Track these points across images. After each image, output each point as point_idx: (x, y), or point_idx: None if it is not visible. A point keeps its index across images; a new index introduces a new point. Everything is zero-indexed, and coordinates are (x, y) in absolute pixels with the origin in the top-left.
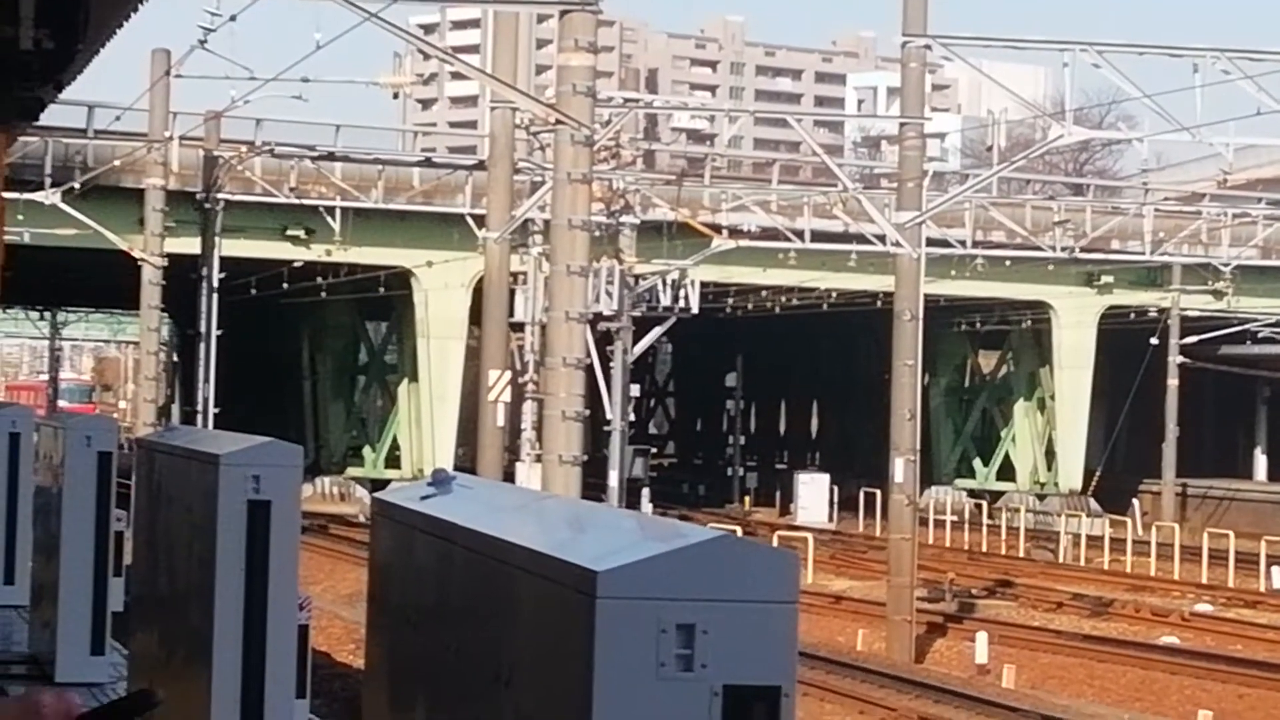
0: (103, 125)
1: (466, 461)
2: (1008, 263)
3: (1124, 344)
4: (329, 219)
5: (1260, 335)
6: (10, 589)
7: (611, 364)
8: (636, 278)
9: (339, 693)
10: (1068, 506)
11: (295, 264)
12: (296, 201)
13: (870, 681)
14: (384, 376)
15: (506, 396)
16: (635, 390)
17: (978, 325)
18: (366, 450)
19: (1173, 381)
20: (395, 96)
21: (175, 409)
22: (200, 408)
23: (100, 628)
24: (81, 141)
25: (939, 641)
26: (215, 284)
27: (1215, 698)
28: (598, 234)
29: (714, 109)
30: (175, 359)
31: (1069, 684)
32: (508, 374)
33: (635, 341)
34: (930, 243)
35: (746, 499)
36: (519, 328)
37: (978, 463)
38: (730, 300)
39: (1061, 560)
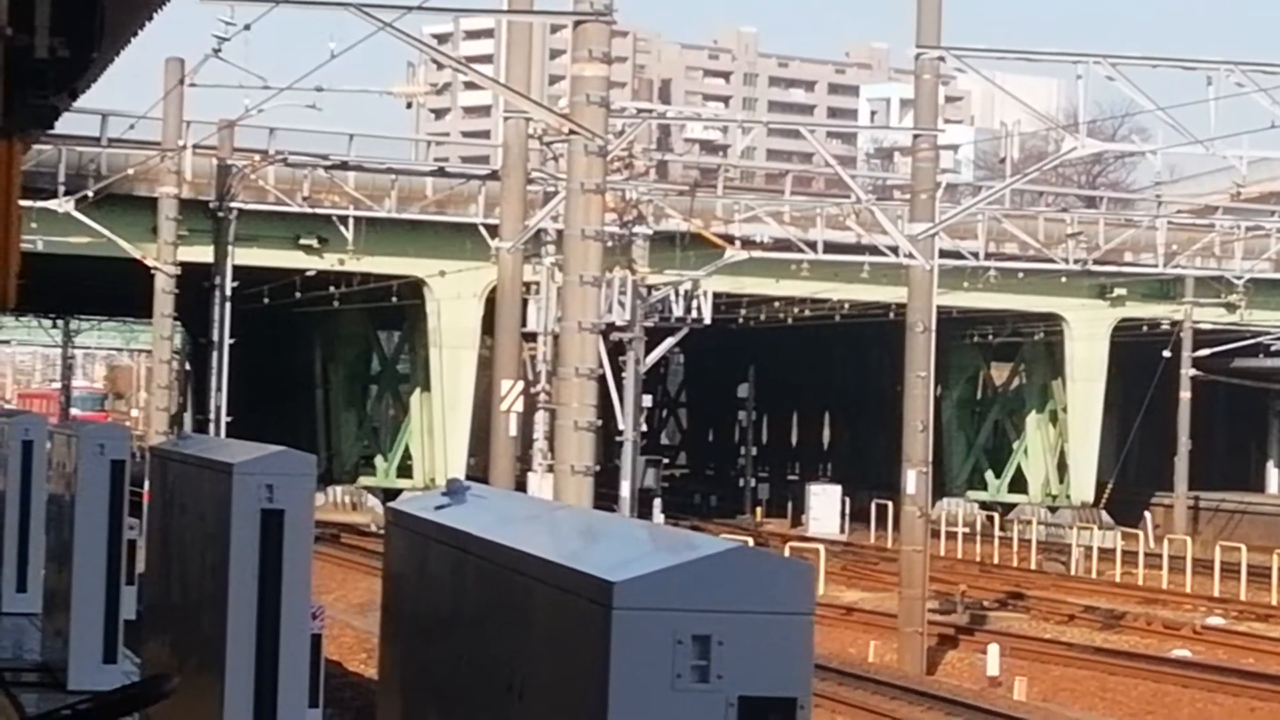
0: (117, 133)
1: (478, 471)
2: (1020, 275)
3: (1136, 357)
4: (342, 228)
5: (1273, 348)
6: (23, 597)
7: (624, 374)
8: (649, 288)
9: (350, 702)
10: (1079, 519)
11: (308, 273)
12: (310, 210)
13: (882, 693)
14: (396, 386)
15: (519, 406)
16: (647, 401)
17: (990, 337)
18: (378, 459)
19: (1185, 394)
20: (409, 106)
21: (187, 417)
22: (212, 416)
23: (113, 636)
24: (95, 150)
25: (950, 653)
26: (228, 293)
27: (1227, 711)
28: (610, 244)
29: (727, 120)
30: (188, 367)
31: (1080, 696)
32: (520, 384)
33: (648, 352)
34: (943, 254)
35: (758, 510)
36: (531, 338)
37: (990, 475)
38: (743, 311)
39: (1073, 573)
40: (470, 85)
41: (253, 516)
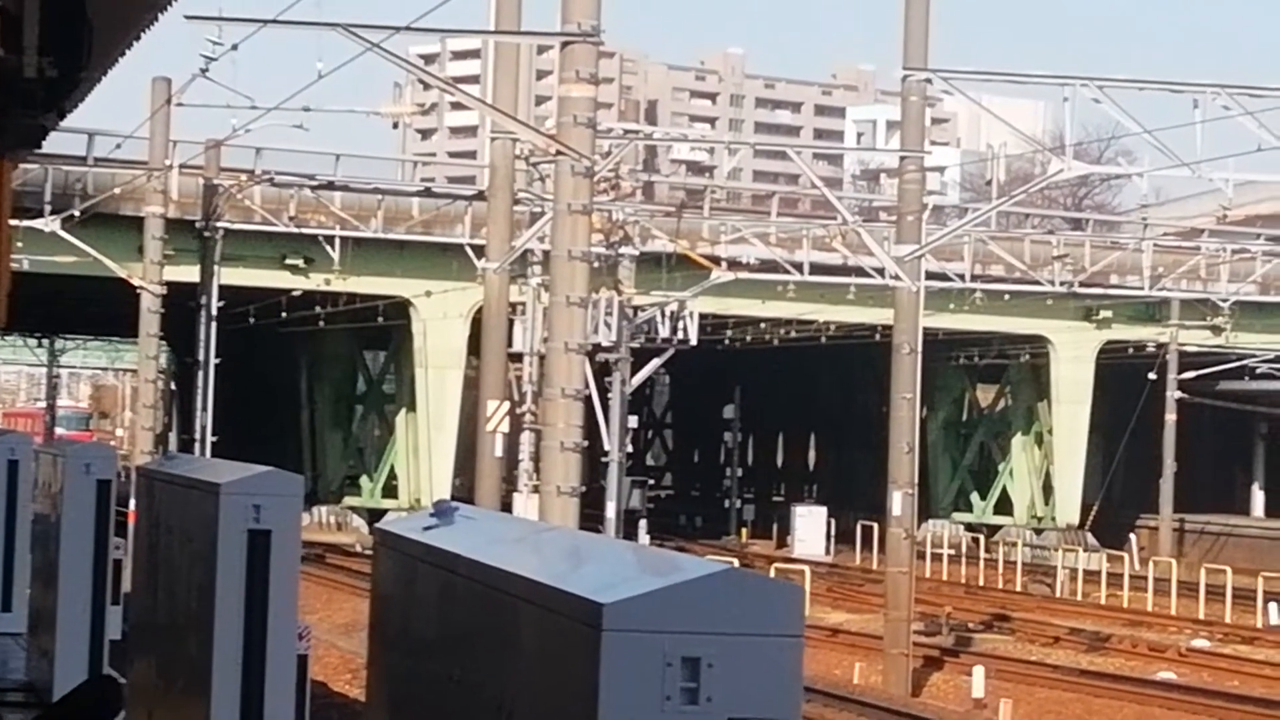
0: (103, 153)
1: (464, 492)
2: (1006, 297)
3: (1122, 379)
4: (328, 248)
5: (1258, 371)
6: (8, 616)
7: (610, 395)
8: (635, 309)
9: None
10: (1065, 541)
11: (294, 293)
12: (296, 230)
13: (867, 715)
14: (382, 406)
15: (505, 427)
16: (633, 421)
17: (976, 359)
18: (364, 480)
19: (1170, 417)
20: (395, 126)
21: (173, 437)
22: (198, 436)
23: (98, 656)
24: (82, 169)
25: (936, 675)
26: (214, 312)
27: None
28: (597, 265)
29: (714, 141)
30: (173, 387)
31: (1065, 718)
32: (506, 404)
33: (634, 373)
34: (929, 276)
35: (744, 531)
36: (517, 358)
37: (975, 496)
38: (729, 332)
39: (1058, 595)
40: (457, 106)
41: (239, 536)
